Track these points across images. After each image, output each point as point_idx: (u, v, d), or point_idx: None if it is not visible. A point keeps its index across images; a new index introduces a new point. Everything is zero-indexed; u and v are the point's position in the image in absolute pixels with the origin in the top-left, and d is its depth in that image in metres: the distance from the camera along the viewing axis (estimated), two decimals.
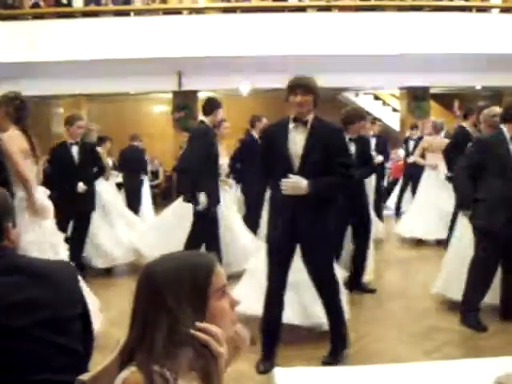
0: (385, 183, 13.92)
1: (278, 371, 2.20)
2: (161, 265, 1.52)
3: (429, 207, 8.68)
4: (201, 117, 6.63)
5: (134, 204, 10.17)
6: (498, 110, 5.58)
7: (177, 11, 13.33)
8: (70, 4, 13.05)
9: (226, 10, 13.25)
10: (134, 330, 1.48)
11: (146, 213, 10.95)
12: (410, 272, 7.23)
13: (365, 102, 16.81)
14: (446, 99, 14.75)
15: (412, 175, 10.30)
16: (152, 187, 13.33)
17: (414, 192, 10.12)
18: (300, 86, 4.11)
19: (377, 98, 17.40)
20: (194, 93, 13.98)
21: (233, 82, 13.49)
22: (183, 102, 13.90)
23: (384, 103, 17.46)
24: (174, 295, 1.45)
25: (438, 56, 12.64)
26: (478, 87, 14.79)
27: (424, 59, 12.73)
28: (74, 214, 6.97)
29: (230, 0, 13.45)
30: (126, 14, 13.08)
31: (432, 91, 14.74)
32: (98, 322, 4.30)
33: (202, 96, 14.12)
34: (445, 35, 12.66)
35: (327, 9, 13.24)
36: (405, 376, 2.30)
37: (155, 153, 14.60)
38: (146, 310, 1.47)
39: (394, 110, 16.96)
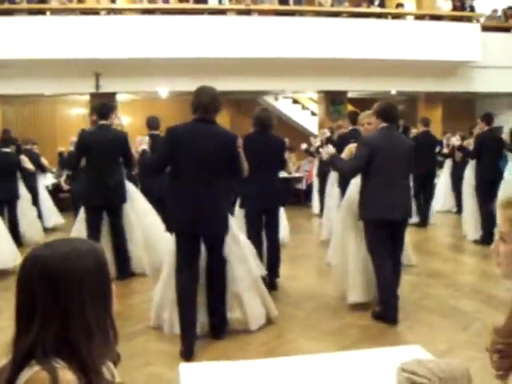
0: (303, 186, 14.21)
1: (183, 367, 2.17)
2: (52, 251, 1.38)
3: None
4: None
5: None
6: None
7: (94, 11, 13.08)
8: None
9: (145, 12, 13.12)
10: (25, 325, 1.34)
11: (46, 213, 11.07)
12: (323, 271, 7.26)
13: (284, 106, 17.00)
14: (362, 103, 15.07)
15: None
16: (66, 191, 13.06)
17: None
18: None
19: (296, 101, 17.60)
20: (112, 95, 13.74)
21: (152, 85, 13.36)
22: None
23: (303, 107, 17.67)
24: (75, 283, 1.34)
25: (355, 61, 12.96)
26: (393, 92, 15.21)
27: (341, 64, 13.01)
28: None
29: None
30: (41, 12, 12.72)
31: (349, 95, 15.07)
32: None
33: (121, 98, 13.91)
34: (362, 41, 13.00)
35: (247, 12, 13.33)
36: (313, 367, 2.32)
37: None
38: (38, 301, 1.33)
39: (313, 113, 17.20)
